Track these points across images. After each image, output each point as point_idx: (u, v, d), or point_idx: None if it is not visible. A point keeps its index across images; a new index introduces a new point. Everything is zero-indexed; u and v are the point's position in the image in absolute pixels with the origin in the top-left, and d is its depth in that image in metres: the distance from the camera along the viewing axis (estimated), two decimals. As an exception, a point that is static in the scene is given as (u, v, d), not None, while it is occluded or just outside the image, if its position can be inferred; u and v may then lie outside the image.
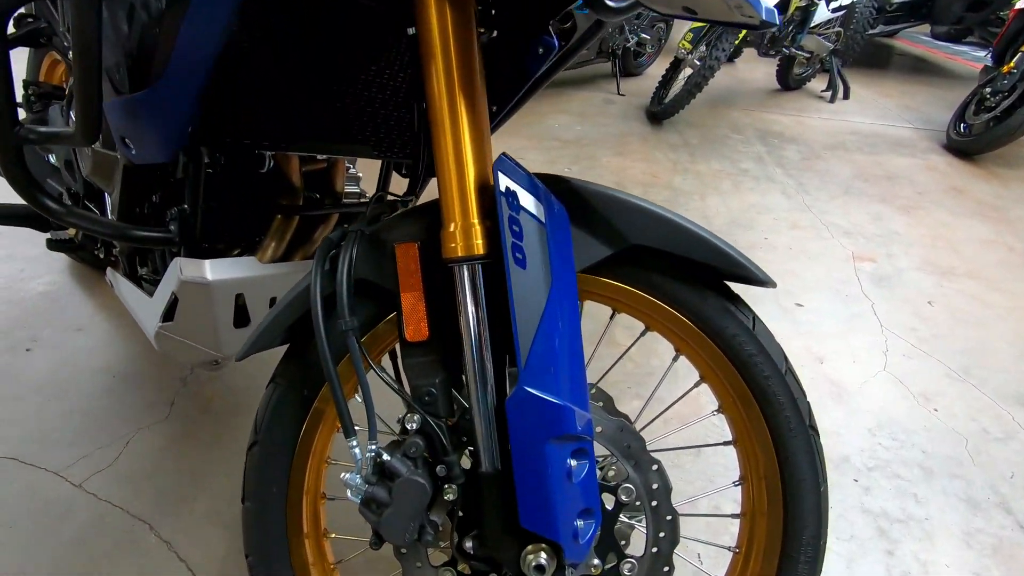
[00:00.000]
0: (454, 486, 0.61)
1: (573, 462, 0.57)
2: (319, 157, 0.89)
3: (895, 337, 1.66)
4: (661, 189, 2.52)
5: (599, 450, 0.63)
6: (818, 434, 0.68)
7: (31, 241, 1.77)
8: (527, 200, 0.55)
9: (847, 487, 1.18)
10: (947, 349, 1.61)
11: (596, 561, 0.64)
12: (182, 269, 0.79)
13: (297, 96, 0.71)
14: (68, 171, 1.09)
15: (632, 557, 0.65)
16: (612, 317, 0.73)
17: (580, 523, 0.58)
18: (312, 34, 0.69)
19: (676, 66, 3.42)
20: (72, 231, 1.12)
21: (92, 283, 1.62)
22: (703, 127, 3.37)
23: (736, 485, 0.72)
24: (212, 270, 0.80)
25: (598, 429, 0.65)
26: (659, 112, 3.35)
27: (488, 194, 0.58)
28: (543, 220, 0.56)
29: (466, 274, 0.57)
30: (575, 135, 3.10)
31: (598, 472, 0.64)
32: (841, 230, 2.26)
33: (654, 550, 0.66)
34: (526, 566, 0.58)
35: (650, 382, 1.42)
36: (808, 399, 0.68)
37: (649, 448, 0.66)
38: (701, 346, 0.67)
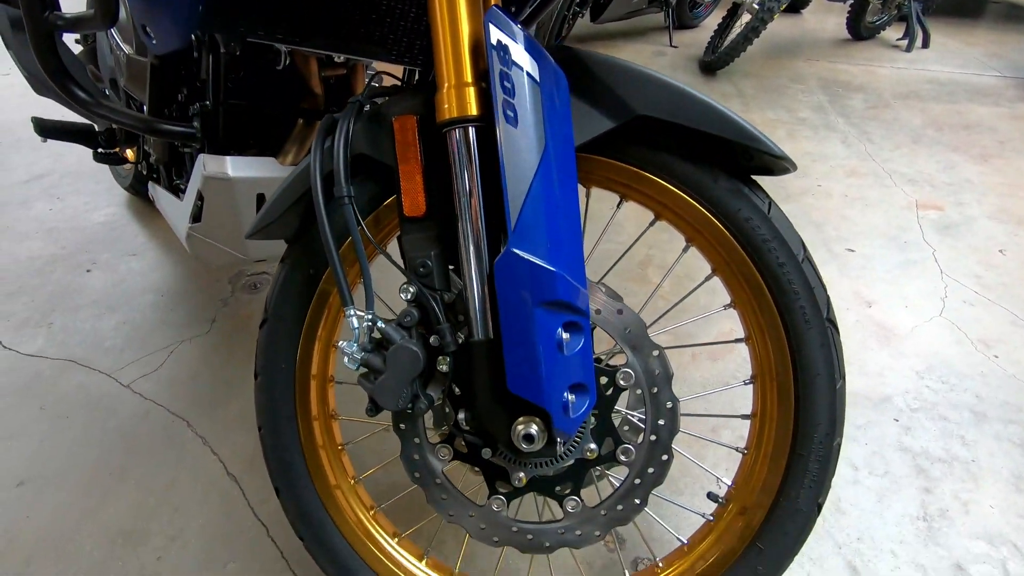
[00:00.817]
0: (448, 357, 0.61)
1: (565, 335, 0.56)
2: (336, 60, 0.89)
3: (956, 284, 1.53)
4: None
5: (604, 344, 0.61)
6: (837, 329, 0.63)
7: (94, 177, 1.90)
8: (520, 56, 0.53)
9: (886, 425, 1.12)
10: (1017, 296, 1.48)
11: (592, 445, 0.63)
12: (205, 165, 0.82)
13: None
14: (113, 90, 1.15)
15: (630, 443, 0.64)
16: (619, 205, 0.70)
17: (571, 397, 0.57)
18: None
19: (734, 12, 3.23)
20: (117, 147, 1.19)
21: (145, 216, 1.72)
22: (760, 77, 3.18)
23: (747, 384, 0.69)
24: (233, 166, 0.82)
25: (596, 309, 0.63)
26: (713, 62, 3.18)
27: (483, 54, 0.56)
28: (537, 78, 0.54)
29: (459, 136, 0.56)
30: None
31: (596, 355, 0.62)
32: (905, 178, 2.09)
33: (652, 438, 0.64)
34: (516, 436, 0.58)
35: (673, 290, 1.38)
36: (827, 291, 0.64)
37: (652, 335, 0.64)
38: (712, 233, 0.64)
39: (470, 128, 0.55)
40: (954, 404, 1.17)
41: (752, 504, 0.66)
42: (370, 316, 0.59)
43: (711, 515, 0.70)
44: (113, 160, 1.26)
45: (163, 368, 1.19)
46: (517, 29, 0.54)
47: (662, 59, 3.50)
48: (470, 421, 0.62)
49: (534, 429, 0.57)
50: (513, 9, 0.74)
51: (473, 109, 0.55)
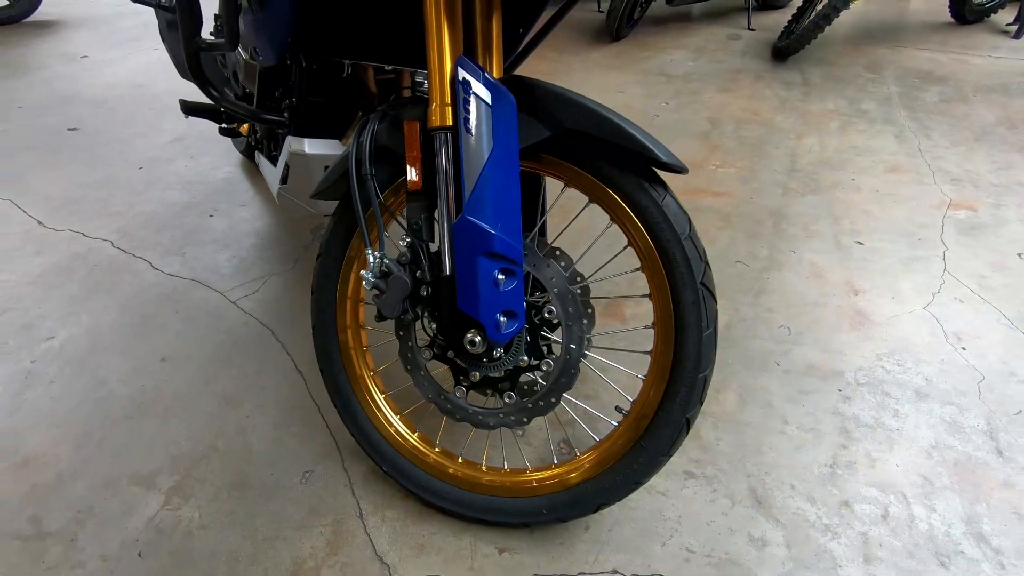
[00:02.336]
0: (428, 286, 0.90)
1: (501, 276, 0.83)
2: (386, 69, 1.19)
3: (955, 282, 1.61)
4: (756, 126, 2.49)
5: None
6: (709, 290, 0.86)
7: (219, 143, 2.36)
8: (478, 88, 0.80)
9: (828, 393, 1.29)
10: (1015, 300, 1.54)
11: (524, 357, 0.91)
12: (291, 144, 1.15)
13: (357, 21, 1.00)
14: (235, 81, 1.53)
15: (551, 359, 0.91)
16: (563, 189, 0.95)
17: (503, 319, 0.85)
18: None
19: (812, -4, 3.19)
20: (235, 124, 1.57)
21: (253, 176, 2.14)
22: (832, 65, 3.14)
23: (648, 328, 0.93)
24: (309, 146, 1.15)
25: (532, 262, 0.90)
26: (784, 48, 3.17)
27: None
28: (489, 103, 0.80)
29: (440, 138, 0.83)
30: (685, 70, 3.09)
31: (528, 294, 0.89)
32: (949, 177, 2.10)
33: (567, 356, 0.91)
34: (465, 342, 0.87)
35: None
36: (704, 262, 0.86)
37: (575, 287, 0.90)
38: (624, 215, 0.88)
39: (447, 134, 0.83)
40: (901, 383, 1.31)
41: (642, 415, 0.91)
42: (380, 255, 0.89)
43: (616, 422, 0.96)
44: (231, 134, 1.66)
45: (259, 292, 1.59)
46: (476, 70, 0.80)
47: (736, 43, 3.52)
48: (440, 330, 0.91)
49: (477, 338, 0.86)
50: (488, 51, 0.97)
51: (448, 121, 0.82)
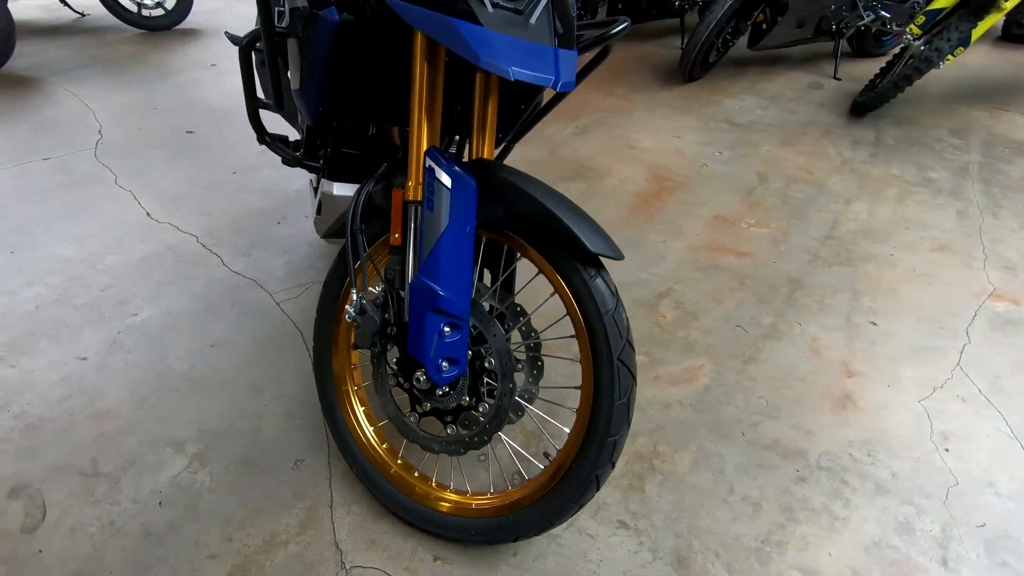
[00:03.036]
0: (393, 327, 1.08)
1: (447, 329, 0.99)
2: (405, 128, 1.38)
3: (964, 379, 1.56)
4: (806, 186, 2.47)
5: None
6: (626, 366, 0.97)
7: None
8: (440, 174, 0.96)
9: (785, 471, 1.33)
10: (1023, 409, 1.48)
11: (465, 397, 1.06)
12: (323, 186, 1.38)
13: (372, 95, 1.19)
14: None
15: (488, 402, 1.06)
16: (517, 259, 1.09)
17: (445, 364, 1.01)
18: (373, 63, 1.15)
19: (902, 53, 3.06)
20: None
21: (324, 189, 2.44)
22: (914, 125, 3.00)
23: (577, 388, 1.05)
24: (337, 188, 1.37)
25: (477, 320, 1.05)
26: (863, 103, 3.07)
27: (429, 169, 1.00)
28: (448, 186, 0.96)
29: (412, 210, 1.01)
30: (751, 119, 3.08)
31: (472, 347, 1.05)
32: (1002, 263, 1.99)
33: (500, 403, 1.05)
34: (415, 379, 1.04)
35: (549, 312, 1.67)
36: (624, 340, 0.97)
37: (514, 344, 1.04)
38: (561, 289, 1.01)
39: (417, 207, 1.00)
40: (863, 474, 1.32)
41: (561, 465, 1.04)
42: (361, 295, 1.08)
43: (543, 466, 1.09)
44: (292, 163, 1.95)
45: (300, 297, 1.85)
46: (441, 160, 0.96)
47: (815, 92, 3.44)
48: (399, 363, 1.09)
49: (422, 377, 1.03)
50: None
51: (419, 197, 1.00)
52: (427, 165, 0.97)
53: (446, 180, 0.97)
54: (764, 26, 3.46)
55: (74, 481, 1.29)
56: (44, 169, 2.55)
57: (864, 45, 3.93)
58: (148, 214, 2.25)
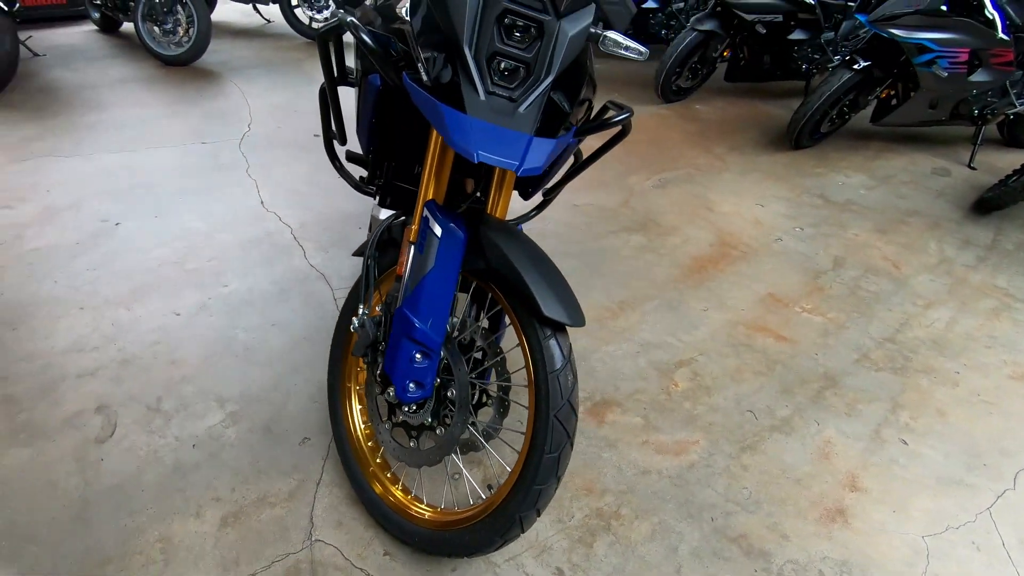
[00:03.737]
0: (383, 343, 1.24)
1: (418, 356, 1.14)
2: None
3: (989, 526, 1.41)
4: (885, 280, 2.31)
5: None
6: (561, 423, 1.05)
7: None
8: (433, 224, 1.11)
9: (741, 568, 1.30)
10: (1052, 575, 1.31)
11: (429, 419, 1.20)
12: (374, 209, 1.60)
13: (406, 145, 1.37)
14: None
15: (444, 426, 1.19)
16: (497, 308, 1.21)
17: (412, 386, 1.15)
18: (402, 122, 1.31)
19: (1049, 151, 2.73)
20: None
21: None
22: (1045, 233, 2.66)
23: (522, 435, 1.14)
24: (382, 214, 1.58)
25: (448, 353, 1.18)
26: (989, 199, 2.78)
27: (430, 216, 1.16)
28: (439, 234, 1.11)
29: (411, 250, 1.17)
30: (849, 198, 2.92)
31: (441, 376, 1.18)
32: (1094, 410, 1.74)
33: (455, 431, 1.17)
34: (386, 393, 1.19)
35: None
36: (565, 400, 1.05)
37: (475, 381, 1.17)
38: (521, 342, 1.12)
39: (413, 247, 1.17)
40: (825, 594, 1.26)
41: (496, 499, 1.14)
42: (364, 312, 1.27)
43: (484, 497, 1.19)
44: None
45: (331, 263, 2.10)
46: (437, 212, 1.12)
47: (935, 180, 3.16)
48: (380, 376, 1.25)
49: (391, 393, 1.18)
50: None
51: (415, 239, 1.16)
52: (424, 215, 1.13)
53: (437, 230, 1.12)
54: (893, 101, 3.25)
55: (140, 411, 1.61)
56: (199, 151, 3.09)
57: (1018, 134, 3.52)
58: (261, 203, 2.65)
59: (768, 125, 3.73)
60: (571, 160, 1.48)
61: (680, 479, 1.50)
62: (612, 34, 1.06)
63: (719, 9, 3.49)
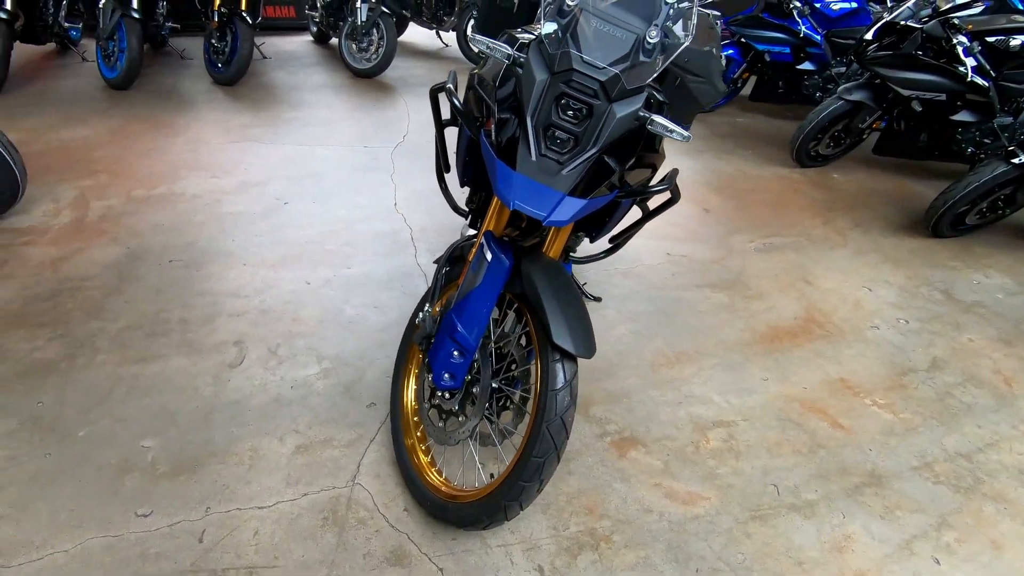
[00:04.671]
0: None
1: (455, 353, 1.40)
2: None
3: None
4: (987, 394, 2.11)
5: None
6: (551, 435, 1.24)
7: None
8: (486, 251, 1.37)
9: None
10: None
11: (456, 407, 1.46)
12: (464, 228, 1.90)
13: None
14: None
15: (466, 416, 1.43)
16: (525, 323, 1.42)
17: (447, 376, 1.42)
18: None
19: None
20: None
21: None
22: None
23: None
24: (468, 233, 1.88)
25: (477, 356, 1.42)
26: None
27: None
28: (488, 259, 1.36)
29: (468, 267, 1.44)
30: (978, 299, 2.66)
31: (472, 372, 1.43)
32: None
33: (472, 423, 1.41)
34: (429, 381, 1.47)
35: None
36: (558, 416, 1.25)
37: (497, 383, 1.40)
38: (536, 359, 1.33)
39: (471, 265, 1.43)
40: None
41: (490, 488, 1.35)
42: (428, 310, 1.56)
43: (486, 482, 1.42)
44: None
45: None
46: (491, 241, 1.37)
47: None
48: (427, 364, 1.53)
49: (430, 377, 1.45)
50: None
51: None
52: (482, 242, 1.39)
53: (488, 256, 1.38)
54: (1068, 203, 2.89)
55: (263, 351, 2.07)
56: (361, 153, 3.68)
57: None
58: (395, 204, 3.12)
59: (908, 206, 3.47)
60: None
61: (679, 526, 1.59)
62: (658, 118, 1.24)
63: (874, 80, 3.35)
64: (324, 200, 3.08)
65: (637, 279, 2.62)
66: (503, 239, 1.42)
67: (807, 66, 4.21)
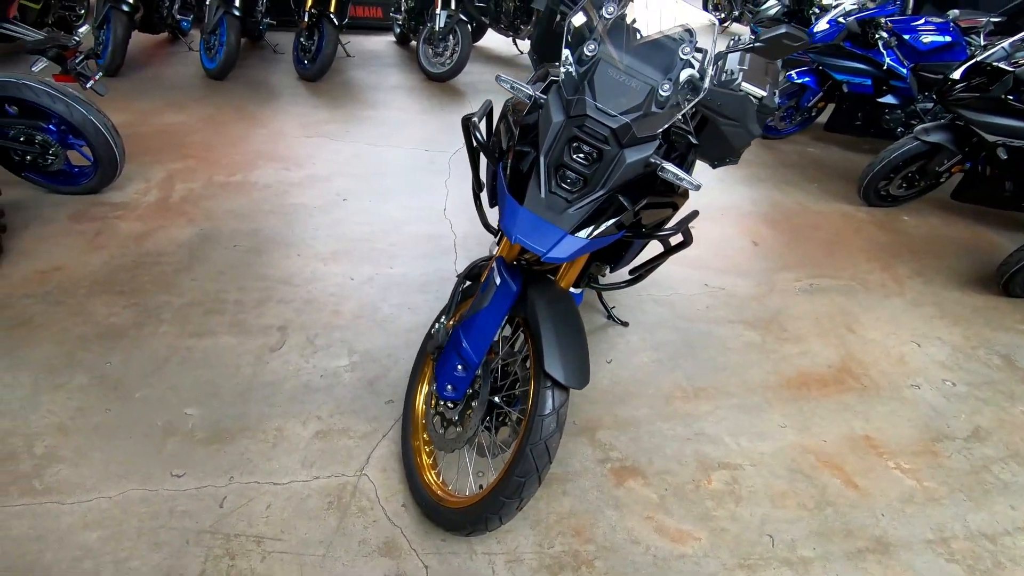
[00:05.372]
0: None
1: (459, 367, 1.49)
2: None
3: None
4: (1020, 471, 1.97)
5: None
6: (532, 456, 1.31)
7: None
8: (496, 275, 1.44)
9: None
10: None
11: (455, 417, 1.55)
12: (492, 246, 1.99)
13: None
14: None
15: (463, 427, 1.52)
16: (527, 343, 1.49)
17: (449, 387, 1.51)
18: None
19: None
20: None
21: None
22: None
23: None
24: (494, 250, 1.96)
25: (479, 371, 1.50)
26: None
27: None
28: (498, 282, 1.44)
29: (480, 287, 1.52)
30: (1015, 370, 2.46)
31: (473, 386, 1.52)
32: None
33: (470, 431, 1.50)
34: (438, 388, 1.57)
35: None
36: (541, 440, 1.31)
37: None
38: (530, 384, 1.39)
39: (482, 286, 1.51)
40: None
41: (475, 498, 1.44)
42: (442, 321, 1.66)
43: (476, 490, 1.50)
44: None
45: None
46: (503, 267, 1.45)
47: None
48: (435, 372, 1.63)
49: (434, 386, 1.55)
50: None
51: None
52: (493, 265, 1.47)
53: (497, 280, 1.46)
54: None
55: (301, 339, 2.25)
56: (421, 157, 3.85)
57: None
58: (444, 209, 3.25)
59: (981, 259, 3.23)
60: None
61: (663, 562, 1.61)
62: (668, 165, 1.27)
63: (956, 122, 3.15)
64: (381, 199, 3.26)
65: (669, 308, 2.61)
66: (514, 264, 1.50)
67: (889, 99, 3.99)
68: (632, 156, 1.24)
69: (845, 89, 4.04)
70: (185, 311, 2.32)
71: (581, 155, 1.25)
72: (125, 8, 4.41)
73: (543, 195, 1.27)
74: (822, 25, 4.05)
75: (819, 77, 4.19)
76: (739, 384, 2.24)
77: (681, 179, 1.27)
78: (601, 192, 1.26)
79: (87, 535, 1.54)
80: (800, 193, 3.84)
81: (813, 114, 4.51)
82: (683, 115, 1.38)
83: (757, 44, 1.39)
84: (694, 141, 1.58)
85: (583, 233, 1.28)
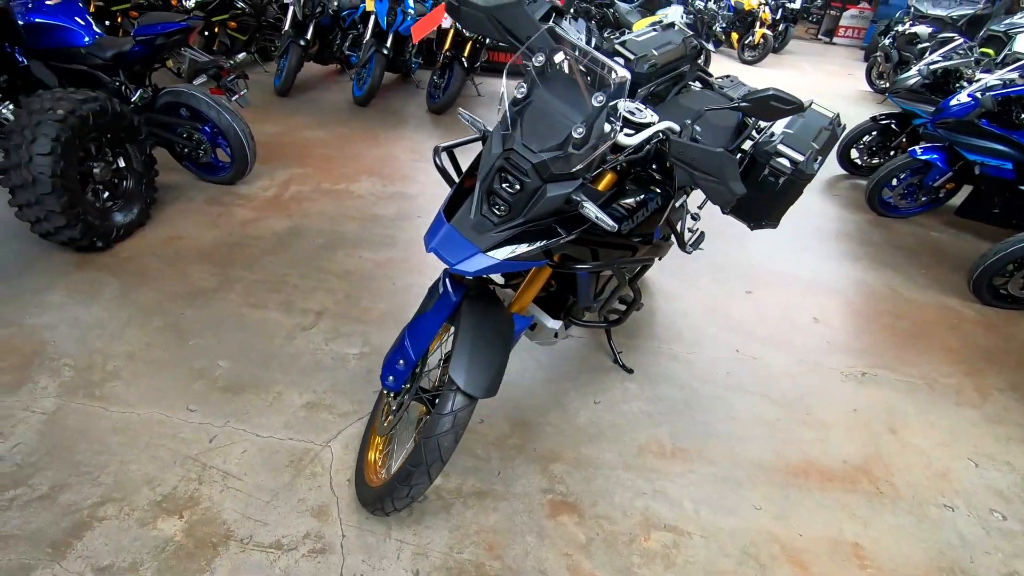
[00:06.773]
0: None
1: (400, 361, 1.65)
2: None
3: None
4: (1061, 643, 1.59)
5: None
6: (424, 451, 1.42)
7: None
8: (441, 285, 1.59)
9: None
10: None
11: (396, 405, 1.70)
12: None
13: None
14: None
15: (395, 414, 1.67)
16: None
17: (391, 378, 1.67)
18: None
19: None
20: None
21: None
22: None
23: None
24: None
25: (417, 368, 1.65)
26: None
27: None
28: (440, 293, 1.59)
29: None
30: None
31: (409, 383, 1.67)
32: None
33: (396, 420, 1.64)
34: (382, 378, 1.75)
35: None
36: (434, 436, 1.42)
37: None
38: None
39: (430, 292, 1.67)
40: None
41: (383, 482, 1.57)
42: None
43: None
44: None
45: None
46: (451, 279, 1.59)
47: None
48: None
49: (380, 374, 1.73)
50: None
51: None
52: (441, 277, 1.63)
53: (440, 289, 1.61)
54: None
55: (330, 326, 2.57)
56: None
57: None
58: (503, 237, 3.46)
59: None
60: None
61: (562, 601, 1.59)
62: (588, 204, 1.34)
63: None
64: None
65: (686, 365, 2.53)
66: (462, 279, 1.64)
67: None
68: (554, 191, 1.34)
69: (977, 171, 3.58)
70: (253, 286, 2.78)
71: (507, 184, 1.38)
72: (302, 43, 5.36)
73: (472, 216, 1.41)
74: (961, 98, 3.65)
75: (949, 155, 3.75)
76: (726, 454, 2.10)
77: (599, 218, 1.33)
78: (520, 220, 1.37)
79: (112, 438, 1.94)
80: (898, 277, 3.44)
81: (941, 195, 4.01)
82: (669, 163, 1.46)
83: (742, 104, 1.42)
84: (668, 189, 1.62)
85: (499, 254, 1.39)
